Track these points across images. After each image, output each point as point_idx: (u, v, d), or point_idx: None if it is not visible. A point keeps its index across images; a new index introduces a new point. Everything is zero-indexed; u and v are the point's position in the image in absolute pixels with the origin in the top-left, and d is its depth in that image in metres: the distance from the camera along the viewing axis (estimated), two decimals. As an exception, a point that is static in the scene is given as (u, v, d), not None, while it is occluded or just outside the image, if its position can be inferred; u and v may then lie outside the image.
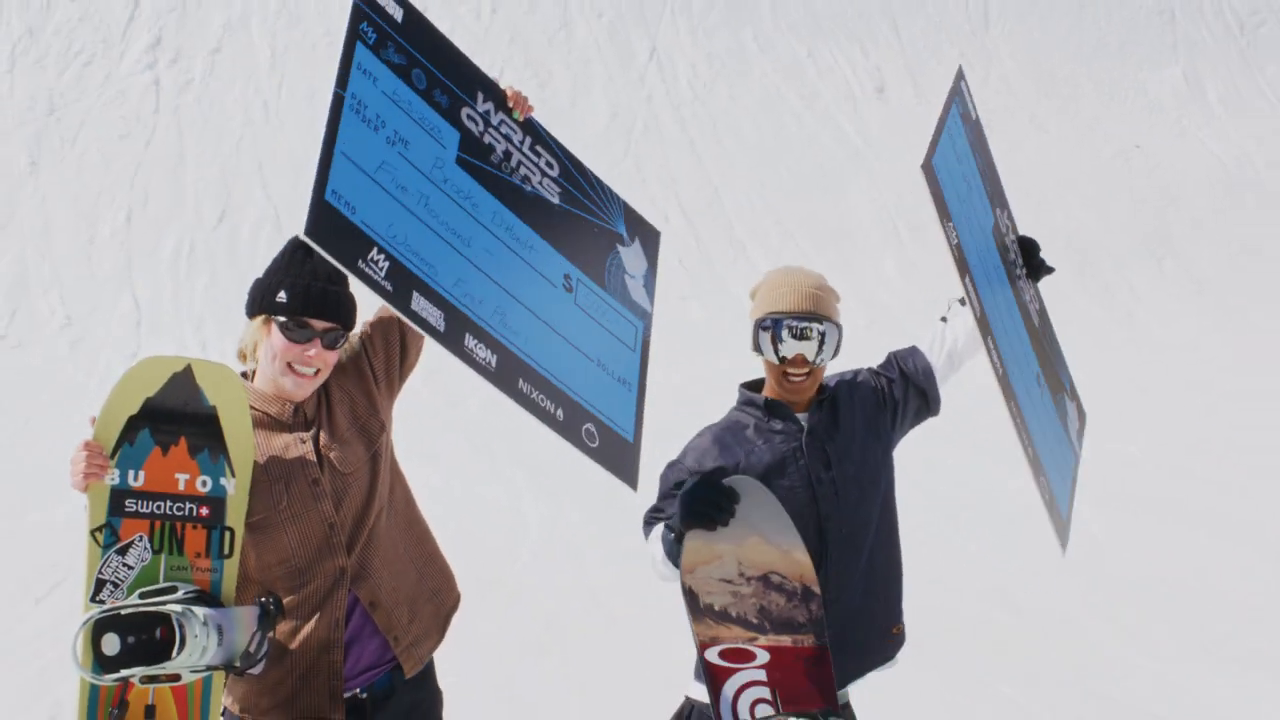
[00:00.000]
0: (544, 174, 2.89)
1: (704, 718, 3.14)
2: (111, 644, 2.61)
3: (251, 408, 2.84)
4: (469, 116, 2.79)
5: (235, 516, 2.75)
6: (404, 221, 2.59)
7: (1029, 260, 3.54)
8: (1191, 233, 15.38)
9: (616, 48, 16.75)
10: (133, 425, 2.71)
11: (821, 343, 3.16)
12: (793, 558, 2.92)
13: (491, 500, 7.84)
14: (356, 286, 2.83)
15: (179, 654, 2.57)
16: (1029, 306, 3.56)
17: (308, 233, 2.41)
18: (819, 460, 3.18)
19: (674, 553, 2.97)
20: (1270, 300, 13.64)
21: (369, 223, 2.51)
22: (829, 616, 3.10)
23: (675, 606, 3.06)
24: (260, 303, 2.88)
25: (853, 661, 3.21)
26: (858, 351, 3.28)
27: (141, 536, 2.72)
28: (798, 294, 3.19)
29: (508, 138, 2.85)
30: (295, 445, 2.88)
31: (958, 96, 3.47)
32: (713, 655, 2.96)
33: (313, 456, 2.88)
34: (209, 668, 2.65)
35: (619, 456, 2.88)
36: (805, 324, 3.14)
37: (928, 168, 2.98)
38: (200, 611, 2.61)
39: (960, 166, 3.32)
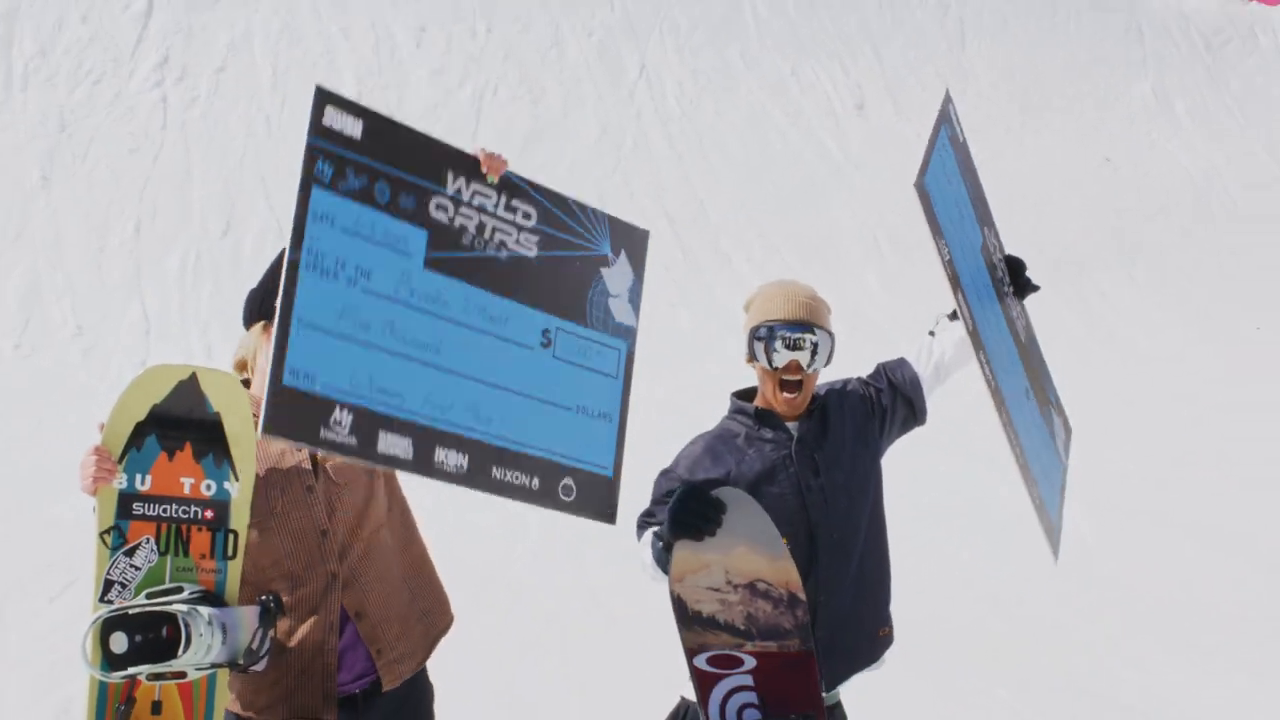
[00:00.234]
0: (520, 229, 2.81)
1: (698, 718, 3.14)
2: (119, 642, 2.61)
3: (252, 414, 2.83)
4: (438, 206, 2.67)
5: (239, 519, 2.75)
6: (367, 362, 2.52)
7: (1015, 278, 3.54)
8: (1162, 240, 15.43)
9: (606, 65, 16.77)
10: (140, 431, 2.71)
11: (815, 351, 3.17)
12: (779, 566, 2.91)
13: (492, 499, 7.78)
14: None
15: (184, 652, 2.57)
16: (1016, 323, 3.57)
17: (265, 429, 2.37)
18: (808, 468, 3.18)
19: (663, 560, 2.97)
20: (1252, 311, 13.65)
21: (330, 384, 2.45)
22: (820, 620, 3.11)
23: (675, 607, 3.05)
24: (259, 309, 2.88)
25: (843, 664, 3.21)
26: (840, 360, 3.29)
27: (148, 539, 2.72)
28: (791, 304, 3.20)
29: (480, 208, 2.74)
30: (290, 452, 2.87)
31: (946, 121, 3.47)
32: (701, 661, 2.95)
33: (308, 464, 2.88)
34: (213, 665, 2.65)
35: (595, 498, 2.88)
36: (799, 333, 3.15)
37: (920, 187, 2.97)
38: (205, 611, 2.61)
39: (950, 187, 3.33)
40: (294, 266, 2.42)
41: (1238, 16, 20.39)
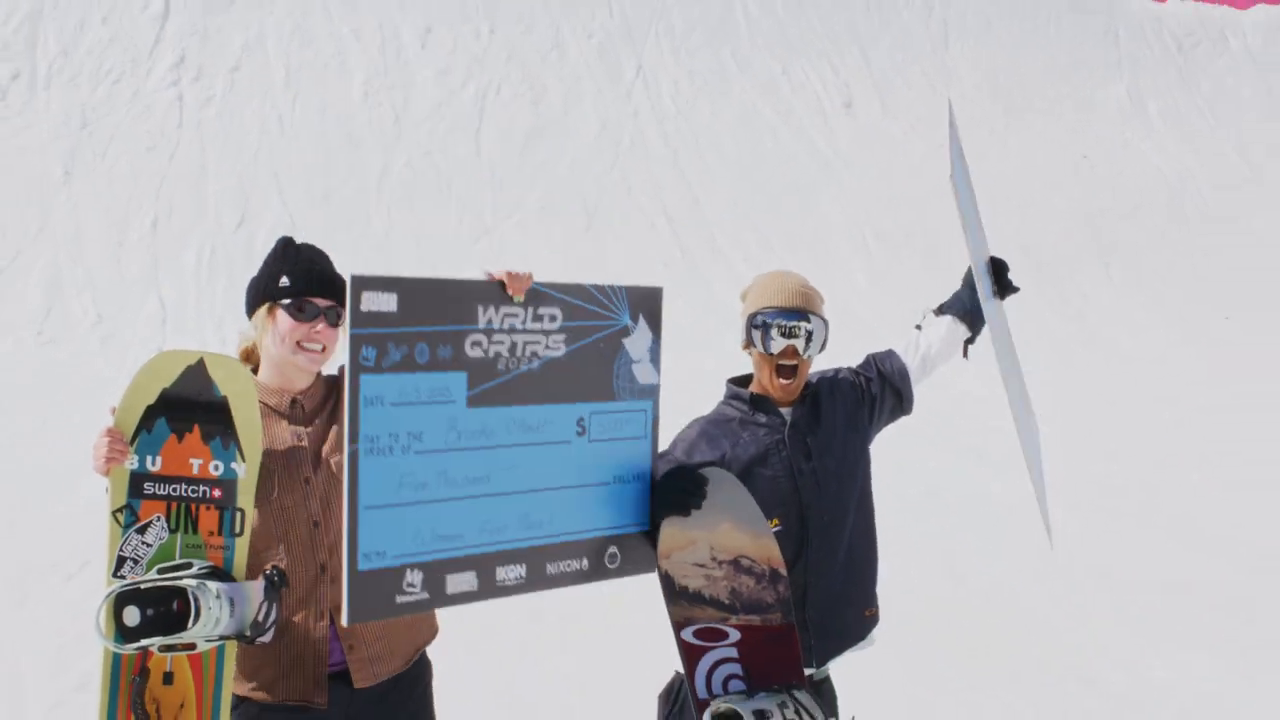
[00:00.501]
0: (548, 334, 2.80)
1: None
2: (132, 616, 2.61)
3: None
4: (473, 344, 2.67)
5: (245, 498, 2.75)
6: (428, 517, 2.57)
7: (998, 279, 3.55)
8: (1137, 241, 15.42)
9: (606, 66, 16.75)
10: (150, 414, 2.71)
11: (809, 337, 3.17)
12: (761, 543, 2.92)
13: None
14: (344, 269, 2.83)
15: (194, 625, 2.57)
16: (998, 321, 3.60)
17: (350, 619, 2.45)
18: (801, 452, 3.18)
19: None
20: (1235, 308, 13.58)
21: (399, 553, 2.51)
22: (810, 600, 3.12)
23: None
24: (263, 294, 2.88)
25: (833, 641, 3.21)
26: (828, 350, 3.29)
27: (159, 517, 2.72)
28: (787, 292, 3.21)
29: (510, 329, 2.73)
30: (291, 441, 2.86)
31: (953, 128, 3.52)
32: (688, 635, 2.95)
33: (307, 455, 2.87)
34: (222, 637, 2.65)
35: (638, 555, 2.95)
36: (795, 321, 3.16)
37: (951, 180, 3.03)
38: (213, 585, 2.61)
39: (964, 185, 3.40)
40: (354, 457, 2.45)
41: (1209, 19, 20.36)
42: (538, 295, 2.78)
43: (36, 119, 14.01)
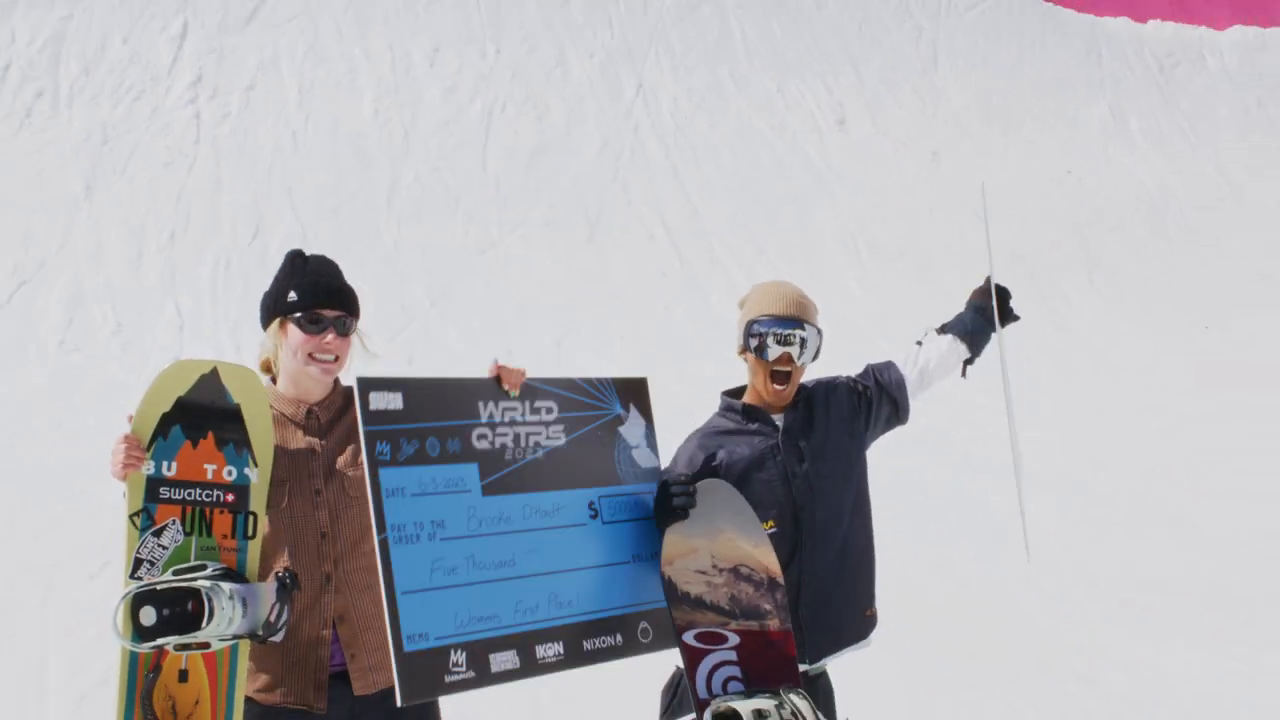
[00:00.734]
0: (547, 425, 2.93)
1: None
2: (148, 615, 2.61)
3: (270, 406, 2.83)
4: (479, 437, 2.80)
5: (258, 502, 2.75)
6: (464, 600, 2.67)
7: (1001, 306, 3.55)
8: (1119, 256, 15.37)
9: (607, 84, 16.77)
10: (166, 421, 2.72)
11: (804, 345, 3.21)
12: (760, 552, 2.98)
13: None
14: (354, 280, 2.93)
15: (208, 624, 2.58)
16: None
17: (403, 699, 2.53)
18: (794, 455, 3.20)
19: None
20: (1214, 320, 13.51)
21: (441, 634, 2.61)
22: (803, 598, 3.14)
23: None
24: (274, 308, 2.89)
25: (828, 638, 3.21)
26: (822, 359, 3.31)
27: (174, 520, 2.72)
28: (783, 301, 3.24)
29: (512, 421, 2.86)
30: (305, 452, 2.86)
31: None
32: (689, 637, 2.99)
33: (320, 466, 2.86)
34: (235, 636, 2.65)
35: (664, 628, 3.03)
36: (790, 329, 3.19)
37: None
38: (227, 586, 2.61)
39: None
40: (385, 546, 2.56)
41: (1188, 39, 20.36)
42: (532, 390, 2.92)
43: (59, 136, 14.03)
